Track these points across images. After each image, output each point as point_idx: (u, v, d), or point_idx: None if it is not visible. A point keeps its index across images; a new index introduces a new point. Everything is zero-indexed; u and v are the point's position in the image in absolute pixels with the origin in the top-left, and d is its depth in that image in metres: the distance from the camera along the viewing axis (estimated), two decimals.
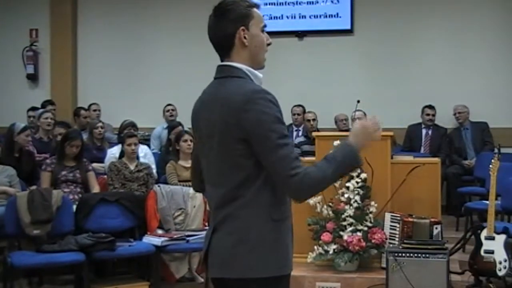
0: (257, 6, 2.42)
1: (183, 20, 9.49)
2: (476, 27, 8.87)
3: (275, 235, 2.29)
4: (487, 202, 5.51)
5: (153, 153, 7.67)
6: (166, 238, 5.66)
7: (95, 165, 6.91)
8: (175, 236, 5.71)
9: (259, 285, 2.26)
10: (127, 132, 7.05)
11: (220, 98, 2.29)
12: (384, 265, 5.30)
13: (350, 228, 5.52)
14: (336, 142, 5.47)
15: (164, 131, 8.44)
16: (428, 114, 8.63)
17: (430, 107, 8.65)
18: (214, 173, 2.35)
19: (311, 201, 5.59)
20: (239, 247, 2.25)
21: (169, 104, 9.05)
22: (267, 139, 2.18)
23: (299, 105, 8.94)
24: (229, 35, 2.33)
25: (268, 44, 2.42)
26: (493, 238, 5.29)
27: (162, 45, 9.78)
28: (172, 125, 7.90)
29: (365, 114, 8.02)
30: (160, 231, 5.94)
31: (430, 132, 8.65)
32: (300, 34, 9.44)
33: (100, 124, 8.00)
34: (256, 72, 2.38)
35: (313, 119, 8.34)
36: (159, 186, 6.26)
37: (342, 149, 2.32)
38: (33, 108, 8.94)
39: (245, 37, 2.34)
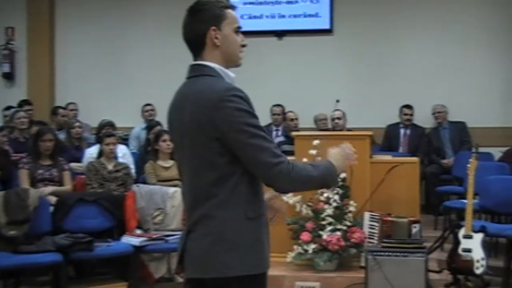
0: (232, 7, 2.41)
1: (163, 19, 9.42)
2: (455, 28, 8.93)
3: (251, 233, 2.28)
4: (465, 201, 5.54)
5: (132, 153, 7.63)
6: (144, 238, 5.64)
7: (73, 165, 6.86)
8: (154, 236, 5.69)
9: (236, 283, 2.25)
10: (105, 132, 7.01)
11: (191, 97, 2.29)
12: (363, 264, 5.32)
13: (330, 228, 5.53)
14: (316, 142, 5.51)
15: (143, 131, 8.39)
16: (406, 114, 8.68)
17: (409, 106, 8.70)
18: (188, 173, 2.34)
19: (291, 200, 5.59)
20: (216, 247, 2.24)
21: (148, 104, 8.99)
22: (245, 133, 2.19)
23: (279, 105, 8.94)
24: (200, 35, 2.34)
25: (243, 45, 2.42)
26: (471, 237, 5.32)
27: (141, 45, 9.72)
28: (151, 124, 7.87)
29: (344, 113, 8.07)
30: (138, 231, 5.91)
31: (408, 131, 8.69)
32: (280, 34, 9.44)
33: (77, 124, 7.95)
34: (228, 71, 2.38)
35: (295, 118, 8.33)
36: (138, 186, 6.23)
37: (324, 163, 2.37)
38: (9, 108, 8.83)
39: (216, 37, 2.34)
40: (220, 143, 2.21)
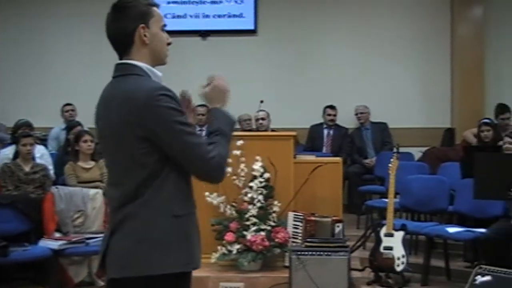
0: (156, 5, 2.38)
1: (83, 18, 9.21)
2: (377, 30, 9.13)
3: (178, 231, 2.24)
4: (387, 200, 5.64)
5: (51, 154, 7.40)
6: (64, 242, 5.48)
7: None
8: (74, 239, 5.54)
9: (159, 282, 2.20)
10: (22, 132, 6.81)
11: (119, 96, 2.23)
12: (287, 264, 5.33)
13: (254, 228, 5.51)
14: (240, 142, 5.48)
15: (63, 132, 8.16)
16: (329, 114, 8.79)
17: (332, 107, 8.81)
18: (116, 173, 2.30)
19: (215, 201, 5.56)
20: (139, 245, 2.19)
21: (68, 104, 8.74)
22: (176, 131, 2.17)
23: (203, 105, 8.80)
24: (128, 33, 2.29)
25: (169, 44, 2.39)
26: (392, 235, 5.43)
27: (61, 43, 9.46)
28: (71, 125, 7.66)
29: (268, 114, 8.08)
30: (57, 235, 5.74)
31: (331, 132, 8.80)
32: (204, 34, 9.39)
33: None
34: (155, 70, 2.34)
35: (203, 114, 8.28)
36: (57, 188, 6.05)
37: (218, 116, 2.36)
38: None
39: (145, 35, 2.30)
40: (149, 143, 2.19)
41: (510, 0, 9.07)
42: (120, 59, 2.33)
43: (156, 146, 2.19)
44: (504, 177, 4.24)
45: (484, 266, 4.72)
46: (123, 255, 2.21)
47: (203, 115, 8.81)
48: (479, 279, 4.66)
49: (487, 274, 4.64)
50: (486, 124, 7.26)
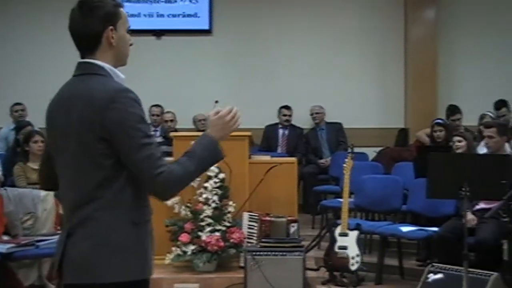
0: (122, 5, 2.36)
1: (36, 16, 9.03)
2: (332, 31, 9.20)
3: (136, 239, 2.21)
4: (342, 200, 5.67)
5: None
6: (12, 245, 5.31)
7: None
8: (23, 242, 5.37)
9: None
10: None
11: (81, 96, 2.20)
12: (242, 264, 5.31)
13: (209, 228, 5.48)
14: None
15: (12, 132, 7.98)
16: (285, 115, 8.80)
17: (287, 107, 8.82)
18: (71, 174, 2.24)
19: (169, 202, 5.49)
20: (97, 251, 2.15)
21: (18, 103, 8.54)
22: (131, 138, 2.13)
23: (157, 105, 8.79)
24: (96, 34, 2.25)
25: (130, 45, 2.37)
26: (346, 235, 5.46)
27: (12, 40, 9.23)
28: (21, 125, 7.50)
29: None
30: (6, 237, 5.58)
31: (287, 132, 8.82)
32: (158, 33, 9.30)
33: None
34: (118, 72, 2.31)
35: (171, 120, 8.22)
36: (5, 189, 5.88)
37: (202, 142, 2.30)
38: None
39: (112, 37, 2.27)
40: (107, 144, 2.15)
41: (462, 3, 9.24)
42: (82, 57, 2.29)
43: (114, 148, 2.16)
44: (455, 176, 4.29)
45: (436, 264, 4.79)
46: (81, 260, 2.16)
47: (157, 115, 8.75)
48: (432, 277, 4.73)
49: (439, 272, 4.71)
50: (438, 124, 7.38)
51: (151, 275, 2.29)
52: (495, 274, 4.53)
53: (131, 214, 2.20)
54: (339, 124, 8.90)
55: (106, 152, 2.16)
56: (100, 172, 2.16)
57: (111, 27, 2.26)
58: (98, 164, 2.16)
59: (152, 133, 2.25)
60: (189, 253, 5.43)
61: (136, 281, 2.20)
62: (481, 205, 5.34)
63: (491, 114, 7.55)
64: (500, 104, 8.10)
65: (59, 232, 5.28)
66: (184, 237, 5.46)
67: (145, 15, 9.25)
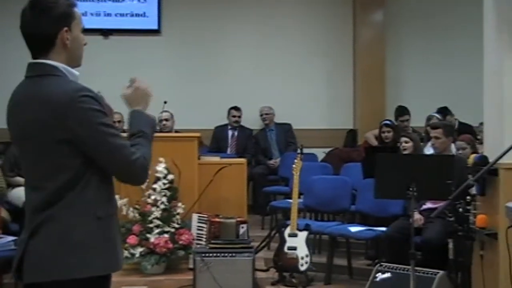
0: (76, 5, 2.30)
1: None
2: (281, 32, 9.21)
3: (101, 233, 2.21)
4: (291, 200, 5.68)
5: None
6: None
7: None
8: None
9: (78, 286, 2.14)
10: None
11: (37, 97, 2.16)
12: (191, 266, 5.29)
13: (157, 230, 5.43)
14: None
15: None
16: (234, 116, 8.78)
17: (236, 108, 8.81)
18: (34, 176, 2.23)
19: (117, 203, 5.39)
20: (59, 248, 2.14)
21: None
22: (99, 133, 2.14)
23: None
24: (50, 35, 2.21)
25: (84, 45, 2.35)
26: (295, 235, 5.47)
27: None
28: None
29: (172, 115, 7.98)
30: None
31: (236, 133, 8.80)
32: (106, 33, 9.15)
33: None
34: (72, 70, 2.28)
35: (119, 121, 8.10)
36: None
37: (140, 119, 2.37)
38: None
39: (67, 39, 2.23)
40: (70, 145, 2.14)
41: (409, 6, 9.39)
42: (34, 58, 2.24)
43: (78, 148, 2.14)
44: (403, 176, 4.34)
45: (384, 264, 4.85)
46: (41, 258, 2.14)
47: None
48: (380, 276, 4.78)
49: (387, 271, 4.76)
50: (386, 125, 7.48)
51: (119, 270, 2.30)
52: (441, 272, 4.61)
53: (96, 209, 2.19)
54: (289, 125, 8.93)
55: (69, 153, 2.15)
56: (66, 173, 2.15)
57: (65, 28, 2.22)
58: (62, 165, 2.15)
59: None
60: (137, 255, 5.36)
61: (99, 277, 2.19)
62: (428, 205, 5.42)
63: (438, 116, 7.65)
64: (444, 111, 7.95)
65: (1, 236, 5.17)
66: (132, 239, 5.39)
67: (92, 14, 9.06)
